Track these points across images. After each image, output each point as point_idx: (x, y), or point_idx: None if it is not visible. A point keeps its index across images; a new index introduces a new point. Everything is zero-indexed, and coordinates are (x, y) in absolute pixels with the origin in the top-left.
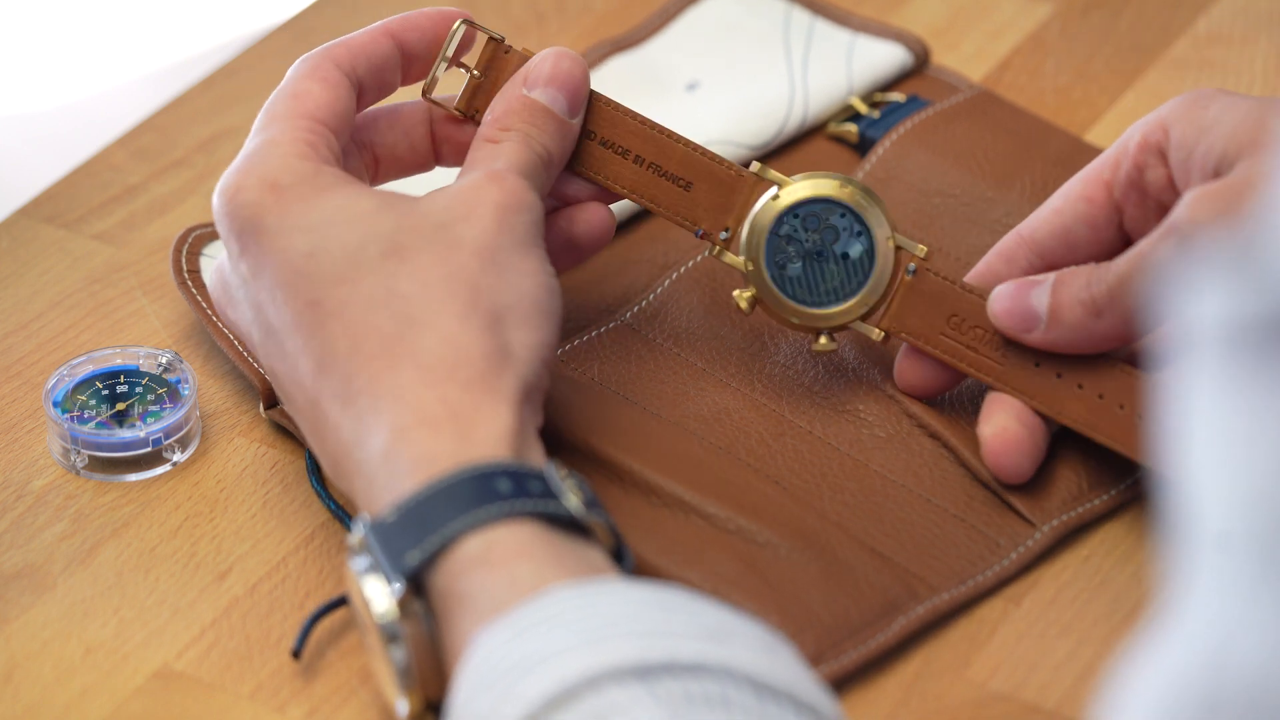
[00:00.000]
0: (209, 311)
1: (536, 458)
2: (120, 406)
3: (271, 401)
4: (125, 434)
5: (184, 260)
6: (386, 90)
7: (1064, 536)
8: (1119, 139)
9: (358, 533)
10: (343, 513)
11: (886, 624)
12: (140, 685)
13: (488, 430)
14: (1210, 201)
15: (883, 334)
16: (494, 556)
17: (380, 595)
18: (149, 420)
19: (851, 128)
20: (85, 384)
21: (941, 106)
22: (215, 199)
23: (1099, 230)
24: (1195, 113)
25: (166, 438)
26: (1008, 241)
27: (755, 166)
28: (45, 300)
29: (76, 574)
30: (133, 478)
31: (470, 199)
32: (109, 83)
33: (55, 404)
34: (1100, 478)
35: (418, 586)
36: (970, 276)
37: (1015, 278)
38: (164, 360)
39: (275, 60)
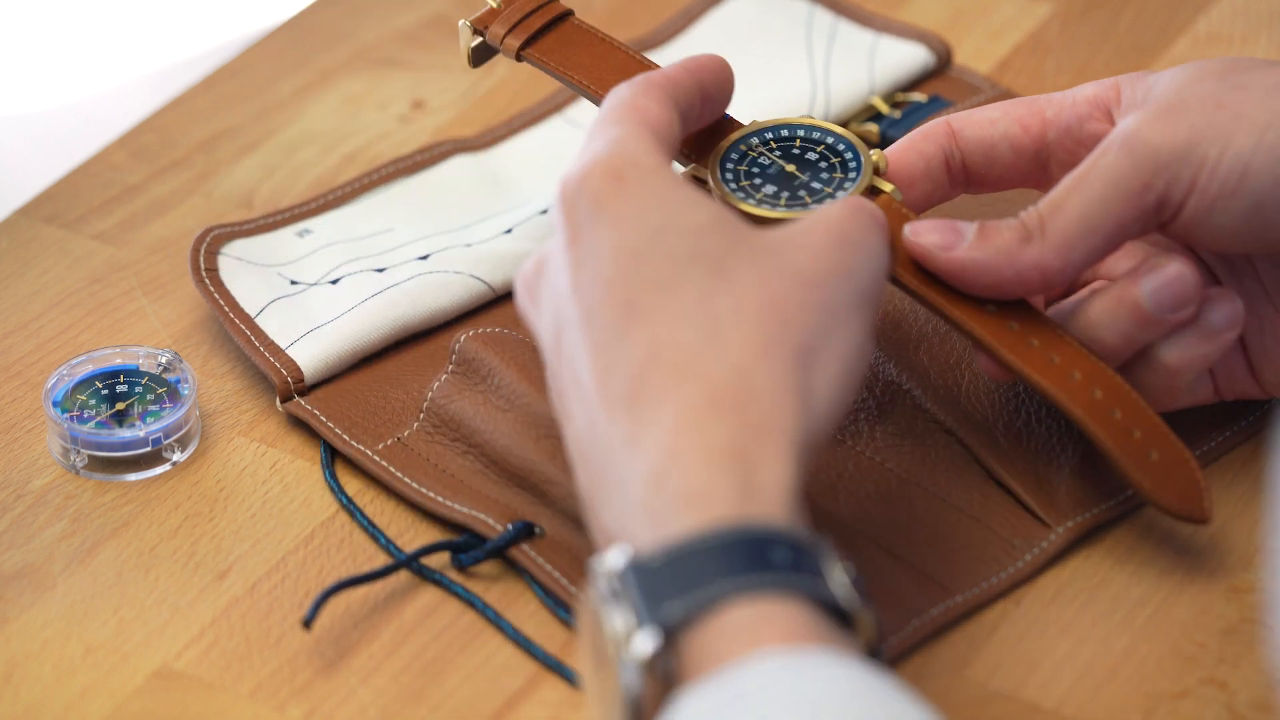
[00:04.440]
0: (225, 308)
1: (803, 521)
2: (120, 406)
3: (287, 396)
4: (125, 434)
5: (202, 259)
6: (689, 127)
7: (1080, 538)
8: (1072, 89)
9: (614, 564)
10: (354, 506)
11: (901, 626)
12: (140, 685)
13: (770, 483)
14: (1152, 119)
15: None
16: (759, 630)
17: (632, 639)
18: (149, 420)
19: (873, 127)
20: (85, 384)
21: (962, 107)
22: (559, 188)
23: (1022, 157)
24: (1146, 76)
25: (166, 437)
26: (936, 126)
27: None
28: (45, 300)
29: (76, 574)
30: (132, 477)
31: (816, 230)
32: (109, 83)
33: (55, 404)
34: (1115, 478)
35: (669, 637)
36: (894, 147)
37: (935, 157)
38: (164, 360)
39: (275, 60)
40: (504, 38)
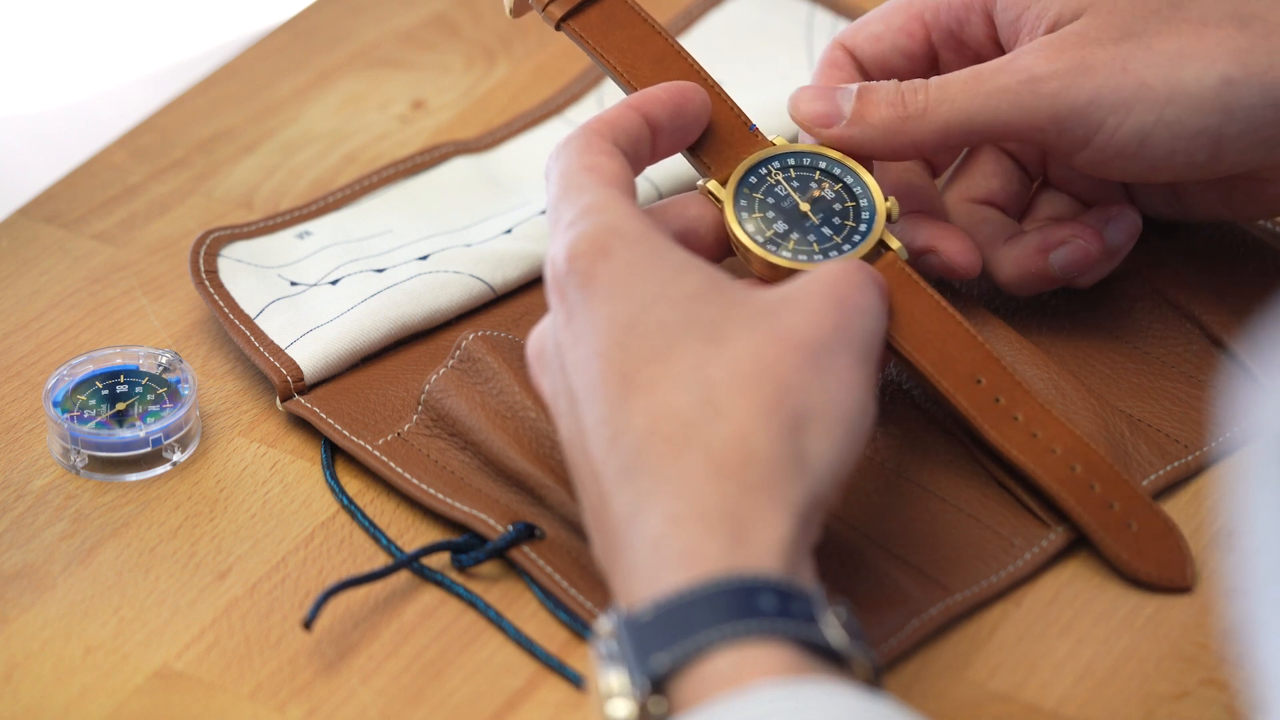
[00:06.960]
0: (225, 309)
1: (806, 576)
2: (120, 406)
3: (287, 395)
4: (125, 434)
5: (201, 261)
6: (641, 165)
7: (1079, 538)
8: None
9: (609, 623)
10: (355, 506)
11: (900, 626)
12: (140, 685)
13: (763, 538)
14: (1058, 49)
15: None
16: (743, 675)
17: (623, 693)
18: (149, 420)
19: None
20: (85, 384)
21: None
22: (547, 269)
23: (915, 61)
24: None
25: (166, 438)
26: (837, 55)
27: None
28: (45, 300)
29: (76, 574)
30: (133, 478)
31: (812, 291)
32: (109, 83)
33: (55, 404)
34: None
35: (659, 687)
36: (815, 87)
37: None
38: (164, 360)
39: (275, 60)
40: (547, 4)
